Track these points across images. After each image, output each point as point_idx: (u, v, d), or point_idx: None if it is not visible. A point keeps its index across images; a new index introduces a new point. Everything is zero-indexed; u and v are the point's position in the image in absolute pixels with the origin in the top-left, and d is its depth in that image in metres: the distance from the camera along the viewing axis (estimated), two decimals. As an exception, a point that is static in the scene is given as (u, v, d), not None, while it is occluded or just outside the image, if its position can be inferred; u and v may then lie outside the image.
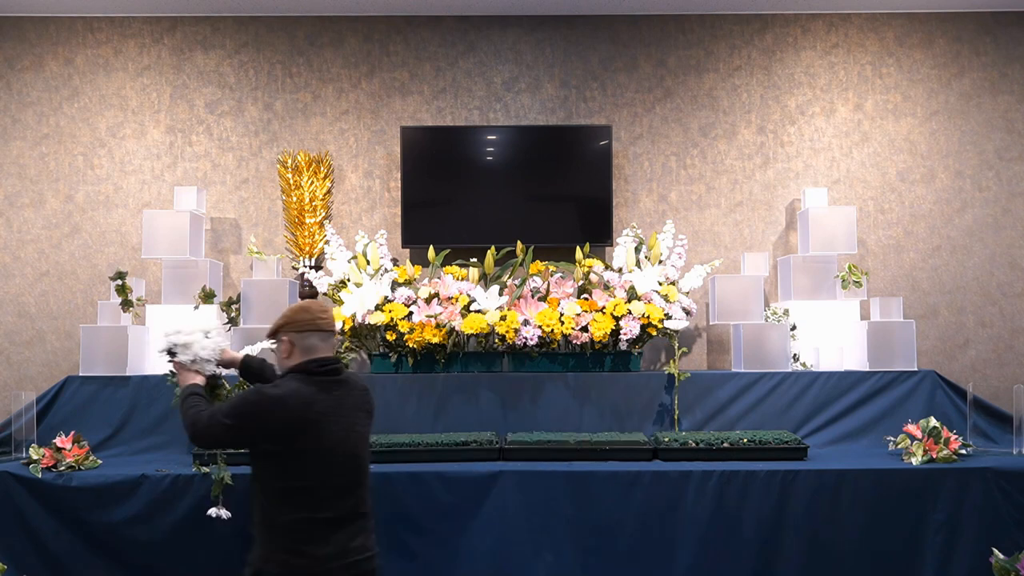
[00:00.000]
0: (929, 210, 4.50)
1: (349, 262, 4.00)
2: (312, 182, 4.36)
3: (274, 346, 2.63)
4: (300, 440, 2.40)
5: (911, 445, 3.26)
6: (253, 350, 3.51)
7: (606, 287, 4.01)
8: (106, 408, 3.70)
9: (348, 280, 3.95)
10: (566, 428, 3.64)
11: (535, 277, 4.05)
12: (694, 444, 3.31)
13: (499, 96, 4.55)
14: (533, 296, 3.94)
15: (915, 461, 3.16)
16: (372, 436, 3.45)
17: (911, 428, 3.34)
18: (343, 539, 2.43)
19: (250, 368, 2.87)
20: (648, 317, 3.78)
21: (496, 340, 3.82)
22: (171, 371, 2.87)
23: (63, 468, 3.15)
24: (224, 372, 2.89)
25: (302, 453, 2.40)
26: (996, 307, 4.46)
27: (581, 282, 4.05)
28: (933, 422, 3.27)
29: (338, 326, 3.76)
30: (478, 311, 3.81)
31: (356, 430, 2.52)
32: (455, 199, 4.43)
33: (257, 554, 2.46)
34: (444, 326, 3.73)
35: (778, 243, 4.52)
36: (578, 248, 4.10)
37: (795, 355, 4.03)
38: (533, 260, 4.08)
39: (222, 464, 3.07)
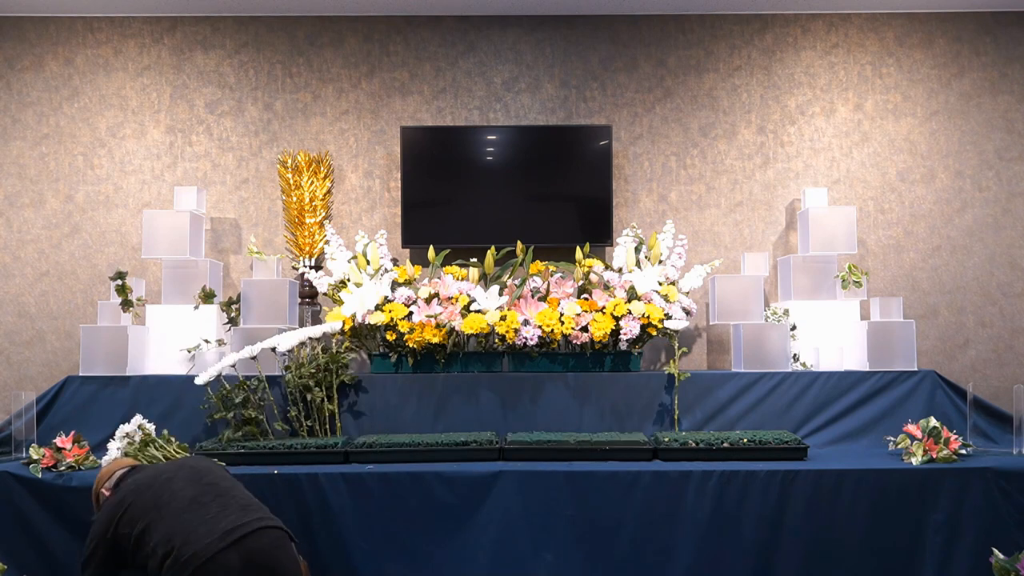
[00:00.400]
0: (929, 210, 4.50)
1: (349, 262, 3.99)
2: (312, 182, 4.36)
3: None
4: (142, 513, 2.55)
5: (911, 445, 3.26)
6: (253, 351, 3.52)
7: (606, 287, 4.01)
8: (106, 408, 3.70)
9: (348, 280, 3.95)
10: (566, 428, 3.64)
11: (535, 277, 4.05)
12: (694, 444, 3.31)
13: (499, 96, 4.55)
14: (533, 296, 3.94)
15: (915, 461, 3.16)
16: (372, 436, 3.49)
17: (911, 428, 3.33)
18: (213, 525, 2.47)
19: None
20: (648, 317, 3.78)
21: (496, 340, 3.82)
22: None
23: (63, 468, 3.15)
24: None
25: (148, 523, 2.52)
26: (996, 307, 4.46)
27: (581, 282, 4.05)
28: (933, 422, 3.27)
29: (338, 326, 3.76)
30: (478, 311, 3.81)
31: (187, 466, 2.72)
32: (455, 199, 4.43)
33: None
34: (444, 326, 3.73)
35: (778, 243, 4.52)
36: (578, 248, 4.10)
37: (795, 355, 4.03)
38: (533, 260, 4.08)
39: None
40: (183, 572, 2.37)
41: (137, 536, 2.51)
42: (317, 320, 4.26)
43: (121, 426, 3.30)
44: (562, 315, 3.79)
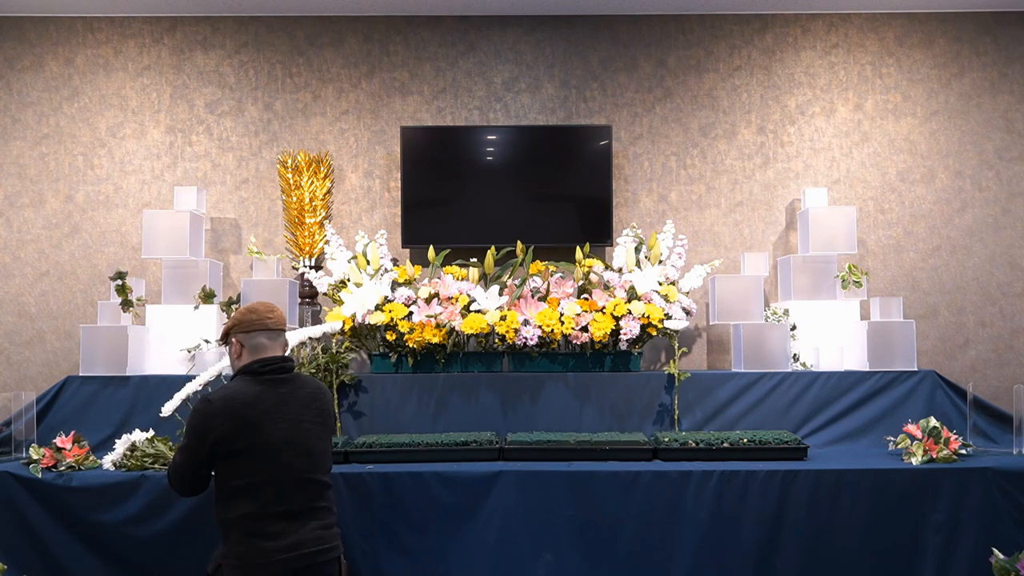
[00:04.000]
0: (929, 210, 4.50)
1: (349, 262, 3.99)
2: (312, 182, 4.36)
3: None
4: (246, 438, 2.49)
5: (911, 445, 3.25)
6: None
7: (606, 287, 4.01)
8: (106, 408, 3.70)
9: (348, 280, 3.94)
10: (566, 428, 3.64)
11: (535, 277, 4.05)
12: (694, 444, 3.31)
13: (499, 96, 4.55)
14: (533, 296, 3.94)
15: (915, 461, 3.15)
16: (372, 436, 3.48)
17: (911, 428, 3.33)
18: (295, 532, 2.50)
19: None
20: (648, 317, 3.78)
21: (496, 340, 3.82)
22: None
23: (63, 468, 3.14)
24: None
25: (249, 450, 2.50)
26: (996, 307, 4.46)
27: (581, 282, 4.05)
28: (933, 422, 3.27)
29: (338, 326, 3.76)
30: (478, 311, 3.81)
31: (303, 426, 2.61)
32: (455, 199, 4.43)
33: (217, 550, 2.58)
34: (444, 326, 3.73)
35: (778, 243, 4.52)
36: (578, 248, 4.10)
37: (795, 355, 4.03)
38: (533, 260, 4.08)
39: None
40: (263, 526, 2.45)
41: (221, 463, 2.54)
42: (317, 320, 4.26)
43: (125, 436, 3.29)
44: (562, 315, 3.78)
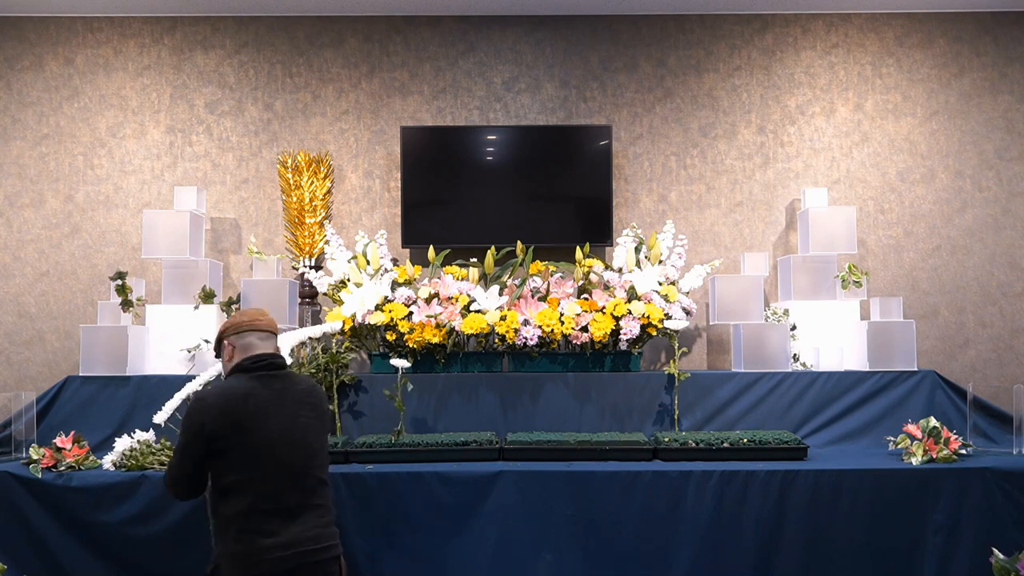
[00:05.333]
0: (929, 210, 4.50)
1: (349, 262, 3.99)
2: (312, 182, 4.36)
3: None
4: (240, 433, 2.48)
5: (911, 445, 3.25)
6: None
7: (606, 287, 4.01)
8: (106, 408, 3.70)
9: (348, 280, 3.94)
10: (566, 428, 3.64)
11: (535, 277, 4.05)
12: (694, 444, 3.31)
13: (499, 96, 4.55)
14: (533, 296, 3.94)
15: (915, 461, 3.15)
16: (372, 436, 3.48)
17: (911, 428, 3.33)
18: (293, 529, 2.47)
19: None
20: (648, 317, 3.78)
21: (496, 340, 3.82)
22: None
23: (63, 468, 3.14)
24: None
25: (244, 446, 2.48)
26: (996, 307, 4.46)
27: (581, 282, 4.05)
28: (933, 422, 3.27)
29: (338, 326, 3.76)
30: (478, 311, 3.81)
31: (300, 421, 2.59)
32: (455, 199, 4.43)
33: (214, 550, 2.56)
34: (444, 326, 3.73)
35: (778, 243, 4.52)
36: (578, 248, 4.10)
37: (795, 355, 4.03)
38: (533, 260, 4.08)
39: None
40: (259, 522, 2.44)
41: (216, 460, 2.52)
42: (317, 320, 4.26)
43: (125, 436, 3.28)
44: (562, 315, 3.78)
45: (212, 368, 3.52)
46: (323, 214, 4.39)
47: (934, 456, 3.16)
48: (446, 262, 4.20)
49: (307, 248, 4.35)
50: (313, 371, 3.59)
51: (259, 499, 2.46)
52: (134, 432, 3.32)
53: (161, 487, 3.05)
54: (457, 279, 3.93)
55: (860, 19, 4.56)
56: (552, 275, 4.09)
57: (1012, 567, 2.65)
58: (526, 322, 3.77)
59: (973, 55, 4.53)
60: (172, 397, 3.49)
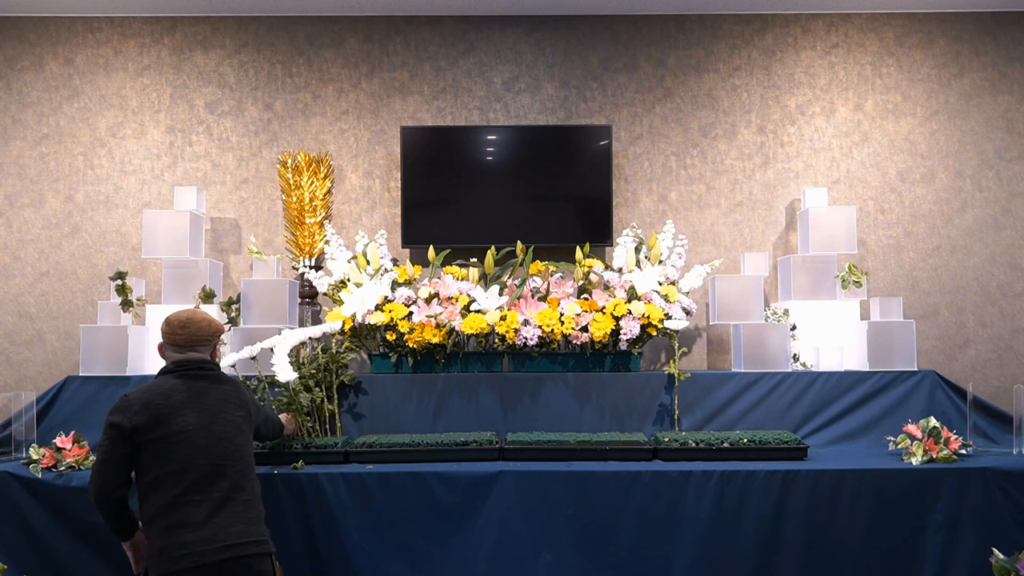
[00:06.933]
0: (929, 210, 4.50)
1: (349, 262, 3.99)
2: (312, 182, 4.36)
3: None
4: (161, 427, 2.56)
5: (911, 445, 3.25)
6: (253, 351, 3.52)
7: (606, 287, 4.01)
8: (106, 408, 3.64)
9: (348, 280, 3.95)
10: (566, 428, 3.64)
11: (535, 277, 4.05)
12: (694, 444, 3.31)
13: (499, 96, 4.55)
14: (533, 296, 3.94)
15: (915, 461, 3.15)
16: (372, 436, 3.48)
17: (911, 428, 3.33)
18: (215, 522, 2.49)
19: None
20: (648, 317, 3.78)
21: (496, 340, 3.82)
22: None
23: (63, 468, 3.15)
24: None
25: (165, 439, 2.55)
26: (996, 307, 4.46)
27: (581, 282, 4.05)
28: (933, 422, 3.27)
29: (338, 326, 3.76)
30: (478, 311, 3.81)
31: (222, 416, 2.66)
32: (455, 199, 4.43)
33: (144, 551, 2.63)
34: (444, 326, 3.73)
35: (778, 243, 4.52)
36: (578, 248, 4.10)
37: (795, 355, 4.03)
38: (533, 260, 4.08)
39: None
40: (182, 516, 2.48)
41: (139, 454, 2.58)
42: (317, 320, 4.26)
43: None
44: (562, 315, 3.78)
45: (251, 347, 3.51)
46: (323, 214, 4.39)
47: (934, 456, 3.16)
48: (446, 262, 4.20)
49: (307, 248, 4.35)
50: (313, 371, 3.59)
51: (180, 492, 2.50)
52: None
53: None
54: (457, 279, 3.93)
55: (860, 19, 4.56)
56: (552, 275, 4.09)
57: (1012, 567, 2.65)
58: (526, 322, 3.77)
59: (973, 55, 4.53)
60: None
